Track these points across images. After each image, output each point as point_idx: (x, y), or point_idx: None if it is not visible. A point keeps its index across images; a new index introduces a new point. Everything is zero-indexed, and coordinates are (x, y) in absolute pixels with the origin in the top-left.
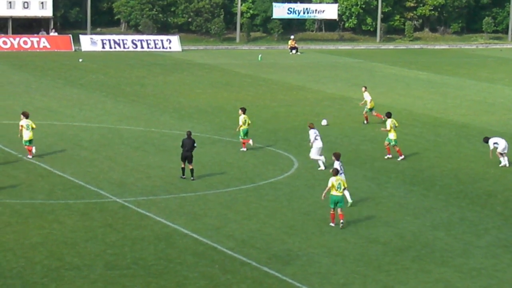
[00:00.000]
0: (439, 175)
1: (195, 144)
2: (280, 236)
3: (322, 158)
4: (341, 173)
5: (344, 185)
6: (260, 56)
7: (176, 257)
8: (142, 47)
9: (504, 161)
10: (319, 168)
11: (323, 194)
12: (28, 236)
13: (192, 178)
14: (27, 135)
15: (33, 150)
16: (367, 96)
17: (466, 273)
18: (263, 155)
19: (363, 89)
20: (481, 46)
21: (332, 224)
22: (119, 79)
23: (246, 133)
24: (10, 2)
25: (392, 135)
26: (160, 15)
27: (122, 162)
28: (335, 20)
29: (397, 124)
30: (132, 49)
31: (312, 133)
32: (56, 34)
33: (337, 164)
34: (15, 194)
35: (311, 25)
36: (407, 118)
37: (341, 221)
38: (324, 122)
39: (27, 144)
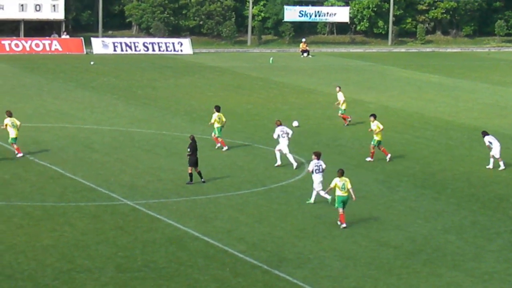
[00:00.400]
0: (451, 178)
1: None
2: (291, 239)
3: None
4: (318, 172)
5: (348, 186)
6: (271, 59)
7: (187, 260)
8: (153, 50)
9: (501, 165)
10: (275, 164)
11: (327, 191)
12: (40, 239)
13: (203, 180)
14: (13, 133)
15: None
16: (341, 97)
17: (478, 277)
18: (274, 158)
19: (337, 89)
20: (493, 49)
21: (343, 225)
22: (130, 81)
23: (220, 131)
24: (22, 5)
25: (376, 137)
26: (172, 18)
27: (133, 164)
28: (347, 23)
29: (381, 127)
30: (144, 52)
31: (278, 130)
32: (67, 37)
33: (313, 164)
34: (27, 196)
35: (322, 28)
36: (419, 121)
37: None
38: (295, 123)
39: (13, 141)
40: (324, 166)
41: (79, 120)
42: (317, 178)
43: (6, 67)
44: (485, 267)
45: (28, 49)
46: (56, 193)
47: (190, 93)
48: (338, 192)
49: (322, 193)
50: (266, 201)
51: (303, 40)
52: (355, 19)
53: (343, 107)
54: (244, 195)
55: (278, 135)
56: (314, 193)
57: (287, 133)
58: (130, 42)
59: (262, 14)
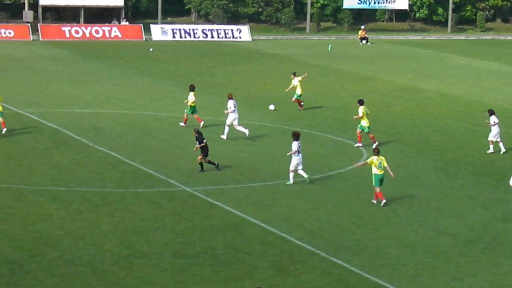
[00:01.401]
0: (510, 166)
1: None
2: (349, 227)
3: (241, 128)
4: (297, 154)
5: (384, 164)
6: (330, 46)
7: (245, 246)
8: (212, 37)
9: (501, 148)
10: (222, 136)
11: (358, 165)
12: (99, 224)
13: (217, 166)
14: None
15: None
16: (295, 81)
17: None
18: (332, 145)
19: (292, 76)
20: None
21: (383, 201)
22: (189, 68)
23: (193, 111)
24: None
25: (364, 122)
26: (231, 4)
27: (192, 151)
28: (406, 10)
29: (368, 112)
30: (203, 39)
31: (231, 103)
32: (127, 23)
33: (295, 145)
34: (86, 182)
35: (381, 15)
36: (478, 109)
37: (374, 201)
38: (271, 107)
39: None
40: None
41: (138, 106)
42: (296, 159)
43: (66, 53)
44: None
45: (88, 35)
46: (115, 179)
47: (248, 80)
48: (375, 171)
49: (302, 172)
50: (324, 188)
51: (362, 27)
52: (414, 6)
53: (298, 92)
54: (302, 182)
55: (229, 108)
56: (292, 174)
57: (235, 106)
58: (189, 29)
59: (321, 1)
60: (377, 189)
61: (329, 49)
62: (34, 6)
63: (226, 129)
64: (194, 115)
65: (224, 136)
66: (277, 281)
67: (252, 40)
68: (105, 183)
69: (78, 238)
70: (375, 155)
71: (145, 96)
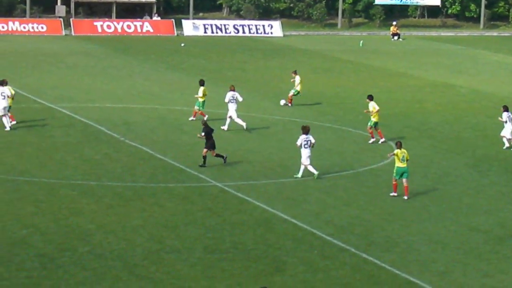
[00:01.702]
0: None
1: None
2: (379, 223)
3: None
4: (307, 147)
5: (407, 158)
6: (361, 42)
7: (275, 242)
8: (243, 32)
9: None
10: (223, 128)
11: (390, 154)
12: (129, 219)
13: (225, 158)
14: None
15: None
16: (298, 79)
17: None
18: (363, 141)
19: (293, 74)
20: None
21: (394, 194)
22: (220, 63)
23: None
24: None
25: (373, 118)
26: (262, 0)
27: (222, 146)
28: (438, 6)
29: (378, 108)
30: (234, 34)
31: (230, 95)
32: (159, 18)
33: (301, 138)
34: (117, 177)
35: (413, 11)
36: (510, 106)
37: (405, 197)
38: (282, 102)
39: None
40: (313, 141)
41: (169, 101)
42: (305, 153)
43: (98, 48)
44: None
45: (119, 30)
46: (146, 173)
47: (280, 76)
48: (398, 164)
49: (310, 167)
50: (355, 184)
51: (394, 23)
52: (446, 2)
53: (298, 88)
54: (332, 178)
55: (229, 100)
56: (302, 167)
57: (236, 99)
58: (221, 24)
59: None
60: (394, 181)
61: (361, 45)
62: (66, 0)
63: (238, 121)
64: (195, 108)
65: (225, 127)
66: (308, 277)
67: (284, 35)
68: (136, 177)
69: (109, 233)
70: (397, 148)
71: (176, 91)
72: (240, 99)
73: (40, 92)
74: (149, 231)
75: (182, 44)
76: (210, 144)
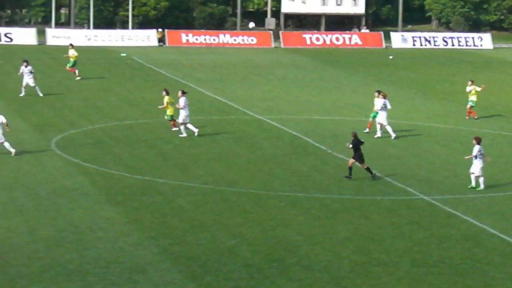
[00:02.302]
0: None
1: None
2: None
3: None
4: (480, 157)
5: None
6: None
7: (483, 257)
8: (452, 45)
9: None
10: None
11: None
12: (336, 231)
13: (373, 175)
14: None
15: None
16: (471, 88)
17: None
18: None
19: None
20: None
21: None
22: (428, 76)
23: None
24: (324, 0)
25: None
26: (472, 12)
27: (430, 159)
28: None
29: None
30: (443, 47)
31: (382, 102)
32: (367, 31)
33: (476, 149)
34: (324, 189)
35: None
36: None
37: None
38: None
39: (170, 118)
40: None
41: None
42: (478, 164)
43: (307, 60)
44: None
45: (328, 42)
46: (352, 186)
47: (489, 89)
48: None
49: (481, 180)
50: None
51: None
52: None
53: (474, 99)
54: None
55: (381, 107)
56: (473, 177)
57: (386, 106)
58: (429, 37)
59: None
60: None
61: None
62: (276, 13)
63: (388, 128)
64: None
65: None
66: None
67: (494, 48)
68: (343, 190)
69: (316, 244)
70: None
71: None
72: (389, 106)
73: (250, 104)
74: (356, 243)
75: (391, 57)
76: (357, 156)
